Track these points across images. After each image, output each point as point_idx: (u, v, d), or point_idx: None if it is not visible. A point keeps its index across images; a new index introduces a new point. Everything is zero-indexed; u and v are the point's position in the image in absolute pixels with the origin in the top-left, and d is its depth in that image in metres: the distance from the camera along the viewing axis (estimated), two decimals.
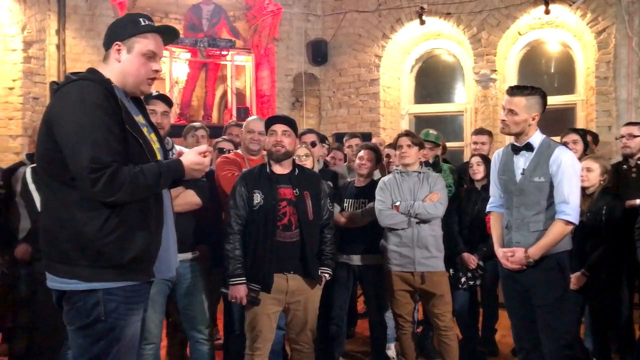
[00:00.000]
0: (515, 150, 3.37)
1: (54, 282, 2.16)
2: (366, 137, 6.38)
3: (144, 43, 2.26)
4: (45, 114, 2.17)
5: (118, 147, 2.09)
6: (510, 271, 3.36)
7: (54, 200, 2.13)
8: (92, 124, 2.04)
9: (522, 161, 3.34)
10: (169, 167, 2.22)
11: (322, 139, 5.01)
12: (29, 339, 3.88)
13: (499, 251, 3.42)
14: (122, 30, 2.25)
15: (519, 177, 3.33)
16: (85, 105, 2.06)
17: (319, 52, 8.37)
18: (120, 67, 2.24)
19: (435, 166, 4.85)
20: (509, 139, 3.60)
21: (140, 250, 2.15)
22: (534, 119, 3.29)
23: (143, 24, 2.27)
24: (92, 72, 2.23)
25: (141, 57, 2.25)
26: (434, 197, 3.99)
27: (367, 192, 4.30)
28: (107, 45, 2.27)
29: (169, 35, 2.36)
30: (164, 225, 2.28)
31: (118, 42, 2.24)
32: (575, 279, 3.84)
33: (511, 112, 3.27)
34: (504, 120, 3.30)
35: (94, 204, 2.08)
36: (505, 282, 3.46)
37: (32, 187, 3.24)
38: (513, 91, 3.30)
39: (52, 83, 2.24)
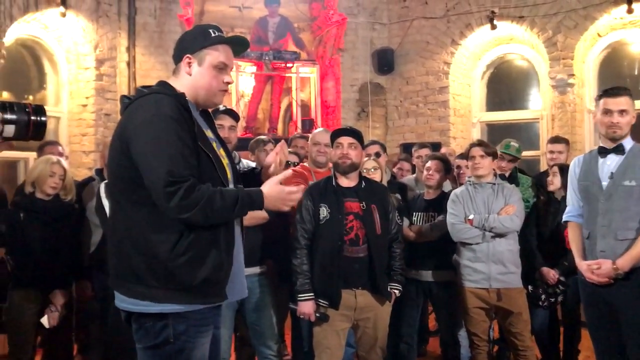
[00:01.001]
0: (603, 153, 3.24)
1: (123, 302, 2.17)
2: (436, 147, 6.29)
3: (215, 55, 2.26)
4: (117, 129, 2.19)
5: (194, 162, 2.09)
6: (594, 289, 3.19)
7: (125, 219, 2.13)
8: (168, 138, 2.04)
9: (610, 164, 3.21)
10: (249, 195, 2.15)
11: (385, 149, 4.99)
12: (105, 352, 4.01)
13: (582, 264, 3.25)
14: (192, 43, 2.27)
15: (606, 181, 3.19)
16: (160, 118, 2.06)
17: (385, 61, 8.35)
18: (192, 80, 2.26)
19: (512, 180, 4.69)
20: (588, 148, 3.46)
21: (212, 272, 2.12)
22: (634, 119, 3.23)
23: (213, 35, 2.27)
24: (164, 85, 2.25)
25: (212, 70, 2.26)
26: (510, 210, 3.90)
27: (437, 204, 4.25)
28: (177, 58, 2.29)
29: (238, 46, 2.36)
30: (234, 245, 2.26)
31: (189, 55, 2.25)
32: None
33: (622, 112, 3.18)
34: (617, 122, 3.17)
35: (166, 225, 2.08)
36: (589, 302, 3.29)
37: (105, 202, 3.36)
38: (616, 92, 3.21)
39: (123, 97, 2.25)
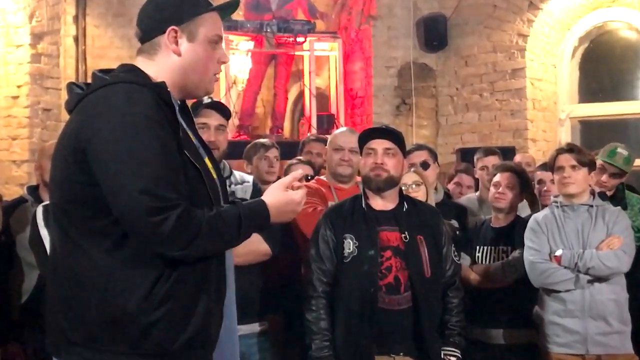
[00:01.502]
0: None
1: None
2: (507, 153, 6.27)
3: (210, 25, 2.30)
4: (67, 132, 2.18)
5: (182, 179, 2.11)
6: None
7: (76, 256, 2.13)
8: (147, 147, 2.05)
9: None
10: (251, 210, 2.22)
11: (435, 158, 4.98)
12: None
13: None
14: (178, 9, 2.27)
15: None
16: (135, 119, 2.07)
17: (434, 33, 8.35)
18: (182, 61, 2.27)
19: (618, 200, 4.66)
20: None
21: (199, 329, 2.14)
22: None
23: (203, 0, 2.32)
24: (134, 71, 2.26)
25: (207, 46, 2.30)
26: (615, 243, 3.87)
27: (510, 235, 4.26)
28: (154, 31, 2.29)
29: (223, 11, 2.40)
30: (226, 290, 2.29)
31: (175, 27, 2.26)
32: None
33: None
34: None
35: (138, 264, 2.09)
36: None
37: (44, 232, 3.37)
38: None
39: (72, 85, 2.26)
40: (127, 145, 2.05)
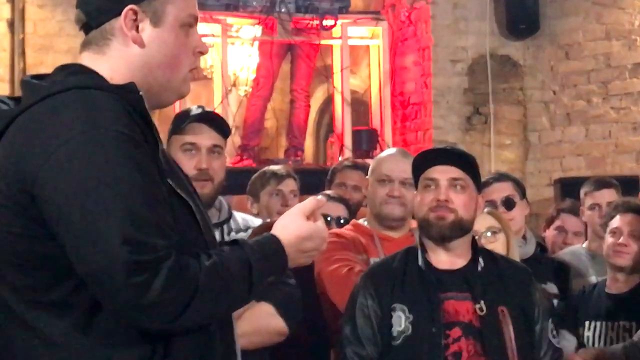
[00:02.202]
0: None
1: None
2: (628, 185, 6.24)
3: (180, 3, 2.33)
4: (2, 163, 2.17)
5: (170, 219, 2.12)
6: None
7: (27, 340, 2.15)
8: (121, 176, 2.05)
9: None
10: (263, 251, 2.24)
11: (523, 192, 4.97)
12: None
13: None
14: None
15: None
16: (100, 138, 2.07)
17: (520, 13, 8.37)
18: (145, 55, 2.29)
19: None
20: None
21: None
22: None
23: None
24: (81, 72, 2.27)
25: (179, 31, 2.32)
26: None
27: (634, 305, 4.24)
28: (102, 14, 2.30)
29: None
30: None
31: (133, 7, 2.27)
32: None
33: None
34: None
35: (114, 345, 2.11)
36: None
37: None
38: None
39: None
40: (94, 176, 2.04)
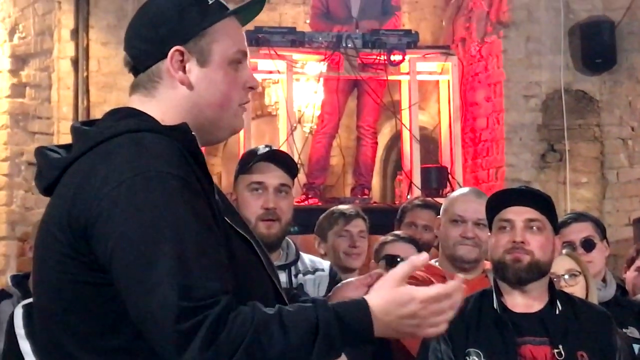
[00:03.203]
0: None
1: None
2: None
3: (227, 40, 2.35)
4: (54, 216, 2.21)
5: (226, 264, 2.12)
6: None
7: None
8: (176, 221, 2.08)
9: None
10: (339, 315, 2.08)
11: (603, 233, 4.92)
12: None
13: None
14: (179, 24, 2.33)
15: None
16: (156, 183, 2.09)
17: (597, 46, 8.33)
18: (194, 96, 2.32)
19: None
20: None
21: None
22: None
23: (211, 2, 2.35)
24: (133, 115, 2.30)
25: (228, 68, 2.34)
26: None
27: None
28: (149, 57, 2.34)
29: (245, 14, 2.45)
30: None
31: (179, 47, 2.31)
32: None
33: None
34: None
35: None
36: None
37: (25, 346, 3.40)
38: None
39: (43, 150, 2.30)
40: (146, 219, 2.06)
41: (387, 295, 2.11)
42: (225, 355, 2.01)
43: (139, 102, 2.32)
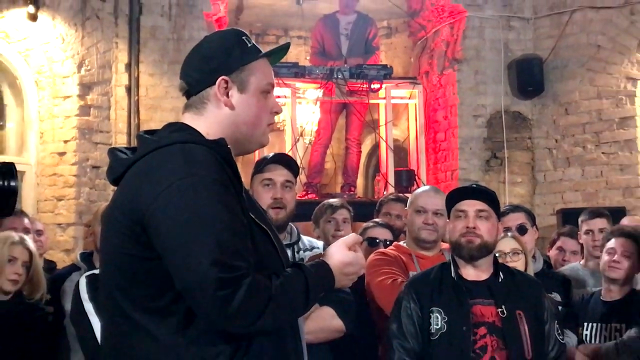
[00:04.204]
0: None
1: None
2: (616, 214, 6.15)
3: (261, 74, 2.40)
4: (118, 203, 2.26)
5: (250, 248, 2.18)
6: None
7: (140, 338, 2.19)
8: (213, 212, 2.12)
9: None
10: (318, 274, 2.29)
11: (534, 220, 4.93)
12: None
13: None
14: (226, 58, 2.37)
15: None
16: (199, 183, 2.14)
17: (529, 78, 8.33)
18: (233, 115, 2.37)
19: None
20: None
21: None
22: None
23: (249, 45, 2.41)
24: (183, 129, 2.34)
25: (260, 96, 2.40)
26: None
27: (624, 310, 4.21)
28: (200, 83, 2.38)
29: (274, 57, 2.51)
30: None
31: (225, 77, 2.36)
32: None
33: None
34: None
35: (207, 343, 2.15)
36: None
37: (90, 307, 3.41)
38: None
39: (115, 151, 2.36)
40: (191, 212, 2.11)
41: (339, 258, 2.35)
42: (257, 311, 2.10)
43: (190, 119, 2.38)
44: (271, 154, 3.91)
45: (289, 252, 3.68)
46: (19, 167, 7.09)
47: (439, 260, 3.91)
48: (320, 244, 4.04)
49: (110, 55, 7.63)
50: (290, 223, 3.91)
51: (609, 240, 4.38)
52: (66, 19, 7.27)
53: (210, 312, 2.07)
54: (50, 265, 5.12)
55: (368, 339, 3.99)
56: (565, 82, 8.37)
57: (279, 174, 3.74)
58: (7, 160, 2.03)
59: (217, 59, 2.38)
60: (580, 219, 5.50)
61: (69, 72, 7.39)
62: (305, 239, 4.06)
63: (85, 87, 7.40)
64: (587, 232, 5.25)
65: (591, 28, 8.28)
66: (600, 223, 5.23)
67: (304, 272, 2.25)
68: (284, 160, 3.84)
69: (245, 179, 2.55)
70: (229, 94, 2.36)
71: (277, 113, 2.48)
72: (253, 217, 2.27)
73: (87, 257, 4.44)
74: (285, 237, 3.82)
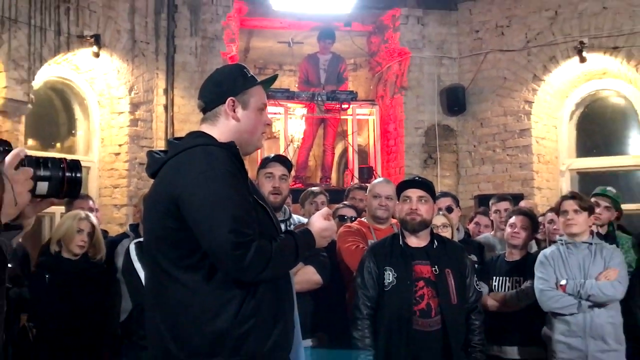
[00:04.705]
0: None
1: None
2: (516, 199, 6.18)
3: (258, 96, 2.42)
4: (157, 191, 2.27)
5: (254, 218, 2.21)
6: None
7: (176, 288, 2.19)
8: (228, 195, 2.14)
9: None
10: (304, 238, 2.32)
11: (458, 203, 4.94)
12: None
13: None
14: (234, 84, 2.39)
15: None
16: (216, 174, 2.16)
17: (455, 100, 8.34)
18: (237, 125, 2.37)
19: (610, 239, 4.50)
20: None
21: (279, 336, 2.23)
22: None
23: (249, 75, 2.43)
24: (203, 136, 2.35)
25: (257, 112, 2.40)
26: (611, 275, 3.79)
27: (522, 267, 4.20)
28: (215, 101, 2.39)
29: (266, 84, 2.53)
30: (295, 304, 2.38)
31: (233, 98, 2.36)
32: None
33: None
34: None
35: (225, 289, 2.16)
36: None
37: (137, 265, 3.40)
38: None
39: (151, 153, 2.36)
40: (212, 195, 2.13)
41: (318, 225, 2.38)
42: (263, 265, 2.13)
43: (206, 128, 2.38)
44: (272, 155, 3.91)
45: (283, 226, 3.65)
46: (85, 164, 7.21)
47: (389, 232, 3.90)
48: (305, 220, 4.02)
49: (152, 83, 7.60)
50: (285, 206, 3.89)
51: (510, 217, 4.40)
52: (120, 56, 7.25)
53: (229, 267, 2.11)
54: (104, 234, 5.09)
55: (338, 289, 3.97)
56: (481, 104, 8.38)
57: (278, 169, 3.73)
58: (75, 158, 2.00)
59: (226, 85, 2.39)
60: (490, 202, 5.55)
61: (122, 95, 7.37)
62: (296, 216, 4.06)
63: (134, 106, 7.39)
64: (495, 212, 5.30)
65: (500, 65, 8.30)
66: (505, 205, 5.27)
67: (293, 236, 2.29)
68: (281, 159, 3.83)
69: (251, 172, 2.56)
70: (235, 110, 2.37)
71: (269, 125, 2.53)
72: (257, 198, 2.29)
73: (134, 228, 4.41)
74: (280, 215, 3.80)
